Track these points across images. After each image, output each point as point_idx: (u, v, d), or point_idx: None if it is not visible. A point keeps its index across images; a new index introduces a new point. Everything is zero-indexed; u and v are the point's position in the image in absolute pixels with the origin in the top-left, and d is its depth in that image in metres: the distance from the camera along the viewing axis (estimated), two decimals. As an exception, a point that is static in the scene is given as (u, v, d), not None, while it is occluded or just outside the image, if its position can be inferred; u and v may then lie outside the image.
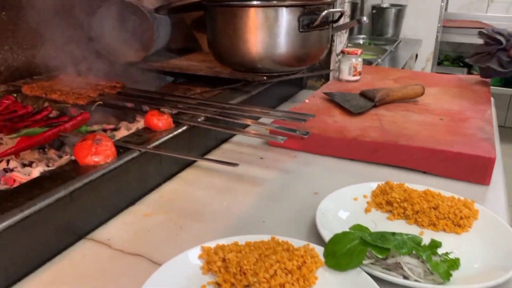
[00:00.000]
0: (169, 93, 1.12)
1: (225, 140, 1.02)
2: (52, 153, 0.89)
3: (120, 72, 1.40)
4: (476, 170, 0.82)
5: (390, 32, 2.80)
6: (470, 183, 0.83)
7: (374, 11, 2.81)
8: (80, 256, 0.61)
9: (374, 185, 0.76)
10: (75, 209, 0.63)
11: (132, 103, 1.04)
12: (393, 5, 2.81)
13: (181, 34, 1.61)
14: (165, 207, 0.74)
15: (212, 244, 0.58)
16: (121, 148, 0.74)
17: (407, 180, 0.77)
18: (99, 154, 0.68)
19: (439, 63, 3.56)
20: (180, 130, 0.85)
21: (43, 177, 0.64)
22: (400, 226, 0.67)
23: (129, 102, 1.05)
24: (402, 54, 2.43)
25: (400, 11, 2.76)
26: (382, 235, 0.56)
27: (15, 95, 0.99)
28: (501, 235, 0.62)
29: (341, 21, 1.38)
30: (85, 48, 1.35)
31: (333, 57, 1.42)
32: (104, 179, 0.67)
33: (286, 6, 1.08)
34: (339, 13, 1.15)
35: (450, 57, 3.88)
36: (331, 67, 1.42)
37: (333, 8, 1.19)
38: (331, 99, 1.15)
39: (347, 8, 1.46)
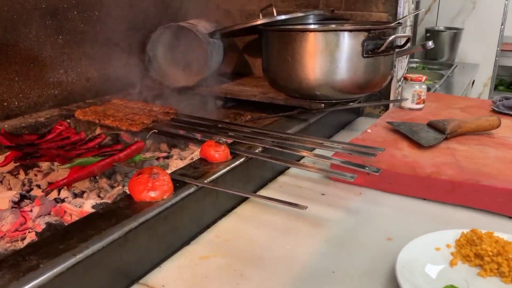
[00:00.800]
0: (222, 121, 1.08)
1: (281, 171, 0.95)
2: (103, 182, 0.85)
3: (171, 96, 1.38)
4: None
5: (445, 56, 2.68)
6: None
7: (428, 35, 2.69)
8: (133, 305, 0.55)
9: (457, 233, 0.67)
10: (129, 251, 0.57)
11: (185, 130, 1.00)
12: (448, 28, 2.69)
13: (232, 58, 1.57)
14: (222, 249, 0.67)
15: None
16: (177, 182, 0.68)
17: (491, 227, 0.68)
18: (156, 190, 0.63)
19: (494, 88, 3.38)
20: (237, 163, 0.79)
21: (96, 214, 0.60)
22: (495, 285, 0.58)
23: (183, 129, 1.01)
24: (460, 79, 2.31)
25: (456, 34, 2.64)
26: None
27: (68, 120, 0.97)
28: None
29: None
30: (138, 72, 1.34)
31: (394, 84, 1.34)
32: (160, 218, 0.62)
33: (350, 31, 1.02)
34: (406, 38, 1.07)
35: (505, 82, 3.68)
36: (391, 94, 1.34)
37: (397, 32, 1.11)
38: (395, 129, 1.06)
39: (409, 32, 1.38)
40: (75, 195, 0.80)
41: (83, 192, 0.82)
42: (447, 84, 2.20)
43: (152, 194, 0.63)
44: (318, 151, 0.91)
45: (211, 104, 1.58)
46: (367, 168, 0.76)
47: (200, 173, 0.73)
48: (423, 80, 1.23)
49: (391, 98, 1.35)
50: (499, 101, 1.26)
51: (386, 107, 1.36)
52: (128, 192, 0.78)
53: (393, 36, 1.01)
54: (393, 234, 0.70)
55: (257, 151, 0.85)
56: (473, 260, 0.62)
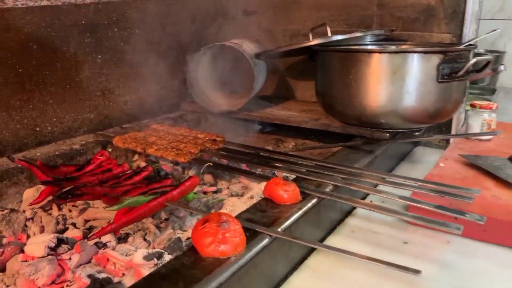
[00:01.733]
0: (279, 151, 0.96)
1: (349, 212, 0.83)
2: (148, 222, 0.74)
3: (207, 120, 1.28)
4: None
5: (486, 80, 2.54)
6: None
7: (468, 57, 2.57)
8: None
9: None
10: (199, 324, 0.46)
11: (240, 161, 0.88)
12: (489, 51, 2.56)
13: (273, 80, 1.47)
14: (302, 315, 0.55)
15: None
16: (247, 230, 0.57)
17: None
18: (227, 243, 0.51)
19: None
20: (310, 205, 0.68)
21: (158, 275, 0.48)
22: None
23: (234, 159, 0.90)
24: (506, 105, 2.17)
25: (498, 58, 2.51)
26: None
27: (109, 150, 0.86)
28: None
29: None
30: (178, 95, 1.24)
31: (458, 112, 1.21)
32: (233, 279, 0.50)
33: (425, 52, 0.90)
34: (485, 61, 0.95)
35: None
36: (454, 122, 1.21)
37: (471, 55, 0.99)
38: (472, 163, 0.94)
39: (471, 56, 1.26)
40: (119, 239, 0.69)
41: (127, 235, 0.71)
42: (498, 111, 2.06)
43: (223, 248, 0.51)
44: (382, 187, 0.79)
45: (249, 129, 1.48)
46: (467, 216, 0.64)
47: (270, 219, 0.62)
48: (494, 108, 1.11)
49: (453, 126, 1.22)
50: None
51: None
52: (180, 238, 0.67)
53: (474, 60, 0.89)
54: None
55: (327, 189, 0.73)
56: None
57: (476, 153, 1.02)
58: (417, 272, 0.50)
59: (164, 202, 0.66)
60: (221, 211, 0.75)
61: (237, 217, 0.62)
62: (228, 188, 0.90)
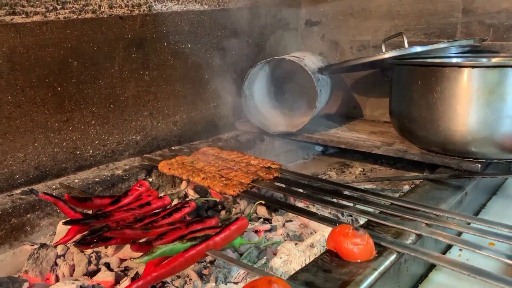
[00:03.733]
0: (345, 185, 0.82)
1: (422, 278, 0.66)
2: (191, 272, 0.62)
3: (265, 141, 1.16)
4: None
5: None
6: None
7: None
8: None
9: None
10: None
11: (299, 197, 0.75)
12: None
13: (338, 97, 1.33)
14: None
15: None
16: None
17: None
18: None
19: None
20: (387, 263, 0.53)
21: None
22: None
23: (291, 194, 0.76)
24: None
25: None
26: None
27: (150, 179, 0.76)
28: None
29: None
30: (232, 115, 1.13)
31: None
32: None
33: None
34: None
35: None
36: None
37: None
38: None
39: None
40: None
41: (163, 284, 0.59)
42: None
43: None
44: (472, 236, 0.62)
45: (309, 150, 1.34)
46: None
47: (337, 284, 0.47)
48: None
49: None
50: None
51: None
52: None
53: None
54: None
55: (409, 241, 0.58)
56: None
57: None
58: None
59: (205, 251, 0.54)
60: (274, 259, 0.62)
61: (294, 278, 0.49)
62: (283, 225, 0.76)
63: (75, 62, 0.80)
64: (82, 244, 0.55)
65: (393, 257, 0.54)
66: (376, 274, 0.50)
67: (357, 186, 0.80)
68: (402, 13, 1.18)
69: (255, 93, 1.13)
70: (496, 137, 0.78)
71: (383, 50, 1.03)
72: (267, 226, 0.75)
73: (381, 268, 0.52)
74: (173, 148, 1.02)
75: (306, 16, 1.37)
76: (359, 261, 0.52)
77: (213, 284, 0.58)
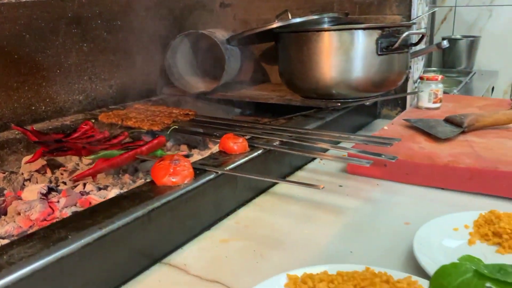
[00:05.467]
0: (241, 120, 1.10)
1: (300, 167, 0.97)
2: (126, 177, 0.88)
3: (191, 103, 1.42)
4: None
5: (463, 64, 2.67)
6: None
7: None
8: (156, 281, 0.57)
9: (475, 215, 0.67)
10: (152, 230, 0.60)
11: (204, 129, 1.02)
12: (465, 37, 2.69)
13: (249, 66, 1.61)
14: (242, 234, 0.69)
15: (298, 273, 0.52)
16: (198, 170, 0.71)
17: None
18: (177, 175, 0.65)
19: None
20: (255, 154, 0.81)
21: (121, 196, 0.62)
22: (514, 262, 0.57)
23: (202, 128, 1.04)
24: (478, 85, 2.29)
25: (473, 42, 2.63)
26: (501, 268, 0.48)
27: (93, 120, 1.00)
28: None
29: (419, 46, 1.32)
30: (159, 80, 1.38)
31: (410, 85, 1.35)
32: (181, 200, 0.64)
33: (363, 29, 1.04)
34: (420, 35, 1.09)
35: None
36: (408, 95, 1.34)
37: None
38: (412, 125, 1.07)
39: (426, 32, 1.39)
40: (99, 189, 0.83)
41: (107, 186, 0.85)
42: (465, 90, 2.18)
43: (173, 178, 0.65)
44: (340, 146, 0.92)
45: (229, 112, 1.62)
46: (383, 156, 0.77)
47: (219, 163, 0.75)
48: (439, 79, 1.24)
49: (408, 99, 1.36)
50: (518, 98, 1.26)
51: (403, 109, 1.36)
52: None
53: (406, 33, 1.03)
54: (411, 219, 0.71)
55: (275, 144, 0.87)
56: (492, 238, 0.62)
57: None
58: (319, 187, 0.64)
59: (135, 155, 0.80)
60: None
61: (194, 162, 0.76)
62: (199, 154, 1.04)
63: (27, 36, 1.02)
64: (48, 153, 0.79)
65: (260, 151, 0.83)
66: (246, 159, 0.79)
67: (251, 122, 1.09)
68: (293, -5, 1.47)
69: (178, 62, 1.39)
70: (348, 81, 1.09)
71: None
72: (185, 152, 1.03)
73: (250, 156, 0.80)
74: (110, 107, 1.26)
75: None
76: (238, 153, 0.81)
77: (142, 180, 0.84)
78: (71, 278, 0.49)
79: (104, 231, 0.52)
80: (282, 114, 1.35)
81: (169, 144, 1.10)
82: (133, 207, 0.58)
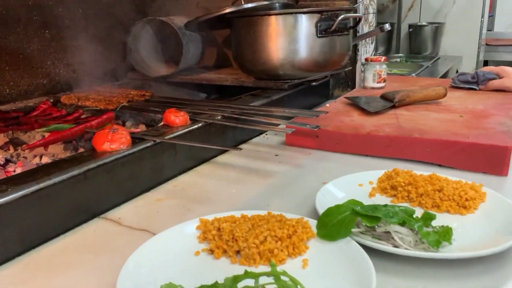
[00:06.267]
0: (193, 99, 1.18)
1: (244, 141, 1.05)
2: (80, 151, 0.96)
3: (155, 88, 1.49)
4: (492, 161, 0.80)
5: (428, 50, 2.77)
6: (487, 175, 0.81)
7: (411, 30, 2.80)
8: (91, 231, 0.65)
9: (381, 173, 0.76)
10: (89, 188, 0.68)
11: (156, 107, 1.10)
12: (430, 23, 2.79)
13: (213, 52, 1.69)
14: (177, 194, 0.77)
15: (210, 217, 0.61)
16: (137, 139, 0.79)
17: (420, 172, 0.77)
18: (115, 142, 0.74)
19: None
20: (195, 126, 0.90)
21: (62, 160, 0.70)
22: (403, 209, 0.67)
23: (154, 107, 1.12)
24: (440, 69, 2.39)
25: (438, 28, 2.74)
26: (374, 207, 0.57)
27: (51, 100, 1.08)
28: (507, 214, 0.61)
29: (366, 30, 1.40)
30: (122, 65, 1.46)
31: (359, 67, 1.44)
32: (117, 164, 0.72)
33: (304, 13, 1.12)
34: (357, 19, 1.17)
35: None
36: (357, 77, 1.44)
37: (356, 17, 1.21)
38: (351, 102, 1.16)
39: (372, 19, 1.48)
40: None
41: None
42: (429, 73, 2.28)
43: (112, 145, 0.73)
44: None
45: (195, 97, 1.70)
46: (308, 126, 0.86)
47: (160, 133, 0.84)
48: (382, 60, 1.33)
49: (357, 80, 1.45)
50: (457, 77, 1.35)
51: (353, 89, 1.45)
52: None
53: (341, 16, 1.11)
54: (329, 180, 0.80)
55: (216, 118, 0.95)
56: (389, 191, 0.71)
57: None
58: (238, 149, 0.72)
59: (85, 129, 0.88)
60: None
61: (136, 133, 0.84)
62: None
63: (-11, 22, 1.09)
64: (5, 127, 0.87)
65: (200, 124, 0.91)
66: (186, 130, 0.87)
67: (202, 100, 1.17)
68: (251, -17, 1.55)
69: (141, 48, 1.46)
70: (293, 62, 1.17)
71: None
72: (138, 130, 1.11)
73: (190, 128, 0.88)
74: (75, 91, 1.33)
75: (183, -12, 1.70)
76: (180, 126, 0.89)
77: (94, 152, 0.92)
78: (9, 226, 0.57)
79: (41, 185, 0.61)
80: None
81: (128, 123, 1.18)
82: (71, 167, 0.66)
